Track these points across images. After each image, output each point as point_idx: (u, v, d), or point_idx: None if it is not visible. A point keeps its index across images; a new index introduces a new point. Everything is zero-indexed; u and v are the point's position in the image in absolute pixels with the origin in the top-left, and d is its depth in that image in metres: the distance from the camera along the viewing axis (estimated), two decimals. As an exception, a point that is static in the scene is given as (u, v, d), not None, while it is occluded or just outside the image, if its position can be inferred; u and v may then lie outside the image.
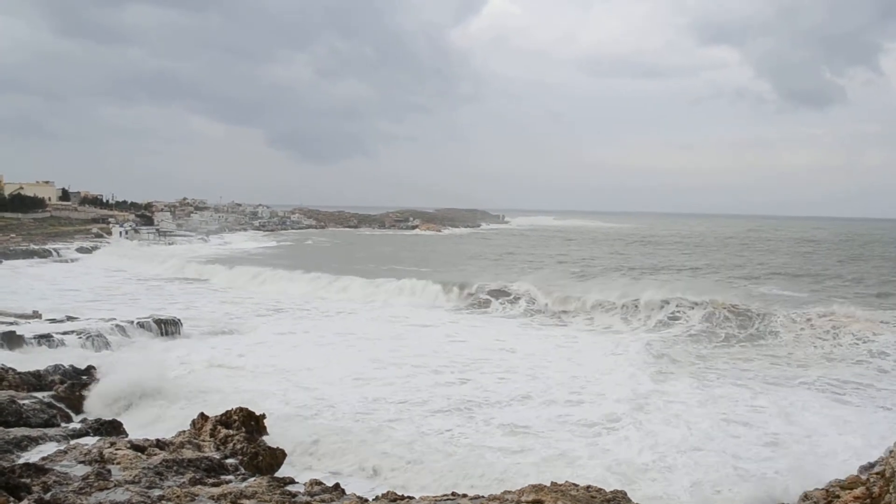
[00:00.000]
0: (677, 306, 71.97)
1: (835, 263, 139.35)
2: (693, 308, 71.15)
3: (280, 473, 30.49)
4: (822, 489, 26.73)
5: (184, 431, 32.86)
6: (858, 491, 25.51)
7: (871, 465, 28.45)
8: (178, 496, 23.05)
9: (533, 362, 52.40)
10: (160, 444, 30.50)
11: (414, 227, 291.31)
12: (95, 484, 24.28)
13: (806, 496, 26.62)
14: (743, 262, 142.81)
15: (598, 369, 50.46)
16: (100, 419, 36.29)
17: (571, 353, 56.44)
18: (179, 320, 62.03)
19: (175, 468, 27.78)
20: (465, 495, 24.59)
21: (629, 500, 24.37)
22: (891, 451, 27.43)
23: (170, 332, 60.08)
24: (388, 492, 25.02)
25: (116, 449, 29.08)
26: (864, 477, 27.24)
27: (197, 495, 23.42)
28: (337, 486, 26.63)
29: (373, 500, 24.33)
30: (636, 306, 74.37)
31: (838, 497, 25.61)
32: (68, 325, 57.19)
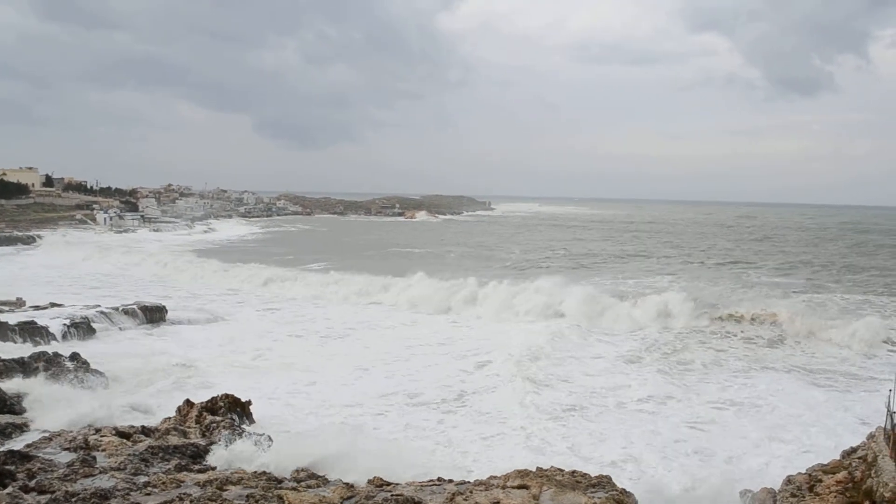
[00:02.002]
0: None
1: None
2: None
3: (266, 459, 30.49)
4: (805, 473, 26.98)
5: (169, 418, 32.84)
6: (841, 475, 25.76)
7: (853, 450, 28.74)
8: (163, 482, 23.05)
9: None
10: (146, 431, 30.47)
11: (400, 214, 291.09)
12: (81, 471, 24.25)
13: (789, 480, 26.88)
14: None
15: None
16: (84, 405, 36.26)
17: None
18: (164, 307, 61.71)
19: (161, 455, 27.75)
20: (450, 480, 24.70)
21: (613, 485, 24.52)
22: (872, 436, 27.72)
23: (155, 320, 59.83)
24: (374, 477, 25.09)
25: (102, 436, 29.04)
26: (846, 461, 27.56)
27: (183, 481, 23.43)
28: (323, 471, 26.70)
29: (359, 486, 24.39)
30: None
31: (821, 481, 25.84)
32: (53, 312, 56.87)
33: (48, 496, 20.91)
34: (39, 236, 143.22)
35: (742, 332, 57.71)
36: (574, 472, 25.59)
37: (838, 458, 28.06)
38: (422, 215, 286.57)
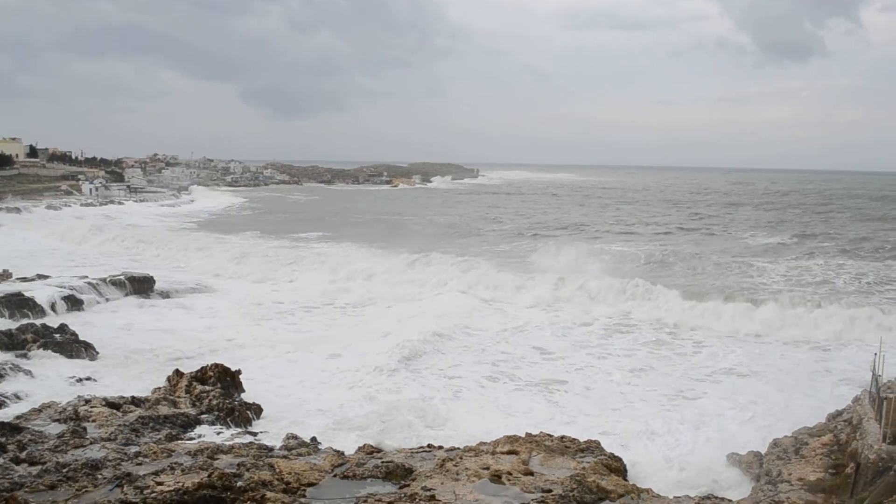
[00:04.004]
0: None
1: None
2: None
3: (257, 428, 30.65)
4: (791, 436, 27.33)
5: (159, 388, 32.88)
6: (826, 438, 26.10)
7: (839, 413, 29.09)
8: (154, 452, 23.10)
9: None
10: (136, 402, 30.52)
11: (388, 182, 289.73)
12: (71, 441, 24.30)
13: (776, 443, 27.22)
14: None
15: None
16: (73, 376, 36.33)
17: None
18: (153, 277, 61.38)
19: (151, 425, 27.85)
20: (440, 447, 24.87)
21: (602, 450, 24.75)
22: (857, 399, 28.04)
23: (143, 291, 59.55)
24: (364, 444, 25.25)
25: (92, 407, 29.08)
26: (831, 425, 27.89)
27: (173, 451, 23.50)
28: (314, 439, 26.85)
29: (349, 453, 24.54)
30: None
31: (807, 444, 26.18)
32: (40, 284, 56.53)
33: (39, 467, 20.95)
34: (26, 208, 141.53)
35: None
36: (563, 437, 25.80)
37: (824, 421, 28.45)
38: (410, 182, 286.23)
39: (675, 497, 21.05)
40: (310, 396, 35.34)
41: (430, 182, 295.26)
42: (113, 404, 29.46)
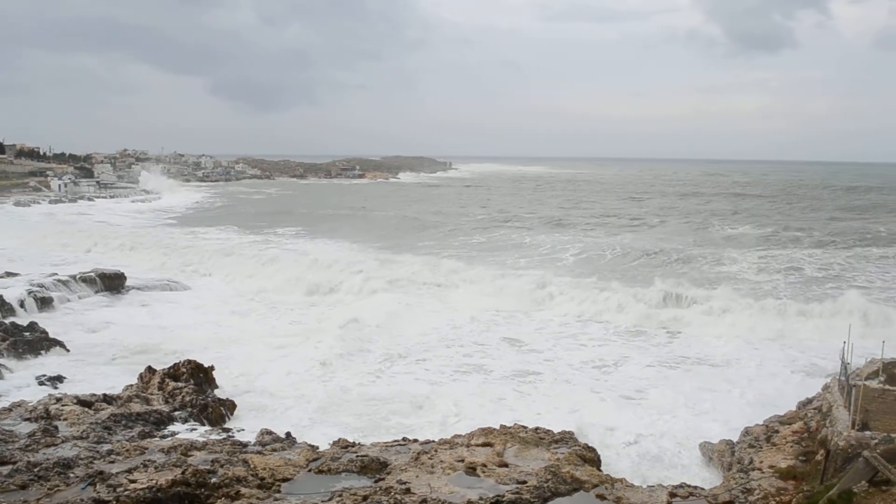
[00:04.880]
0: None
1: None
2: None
3: (230, 425, 30.54)
4: (762, 425, 27.63)
5: (131, 385, 32.62)
6: (797, 426, 26.42)
7: (809, 401, 29.46)
8: (127, 450, 22.94)
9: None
10: (107, 399, 30.25)
11: (360, 176, 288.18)
12: (42, 440, 24.04)
13: (747, 431, 27.52)
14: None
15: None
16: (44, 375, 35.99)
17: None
18: (124, 274, 60.78)
19: (123, 422, 27.64)
20: (415, 440, 24.91)
21: (576, 441, 24.91)
22: (827, 387, 28.41)
23: (114, 288, 58.95)
24: (339, 439, 25.23)
25: (63, 405, 28.78)
26: (802, 412, 28.24)
27: (147, 448, 23.34)
28: (288, 434, 26.78)
29: (324, 447, 24.52)
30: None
31: (777, 432, 26.50)
32: (9, 281, 55.83)
33: (10, 467, 20.72)
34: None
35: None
36: (537, 428, 25.94)
37: (794, 409, 28.80)
38: (383, 176, 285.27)
39: (648, 486, 21.25)
40: (286, 391, 35.24)
41: (398, 177, 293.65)
42: (84, 402, 29.19)
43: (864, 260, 70.49)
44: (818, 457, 20.94)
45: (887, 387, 23.94)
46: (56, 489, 19.34)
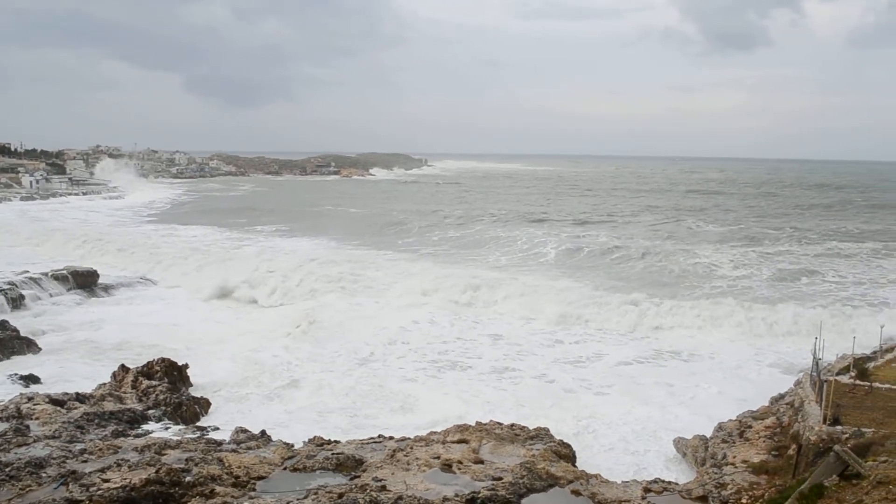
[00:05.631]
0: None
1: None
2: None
3: (205, 423, 30.36)
4: (735, 420, 27.88)
5: (104, 384, 32.34)
6: (769, 421, 26.67)
7: (782, 396, 29.75)
8: (100, 449, 22.76)
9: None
10: (80, 398, 29.97)
11: (335, 173, 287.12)
12: (14, 440, 23.77)
13: (720, 427, 27.75)
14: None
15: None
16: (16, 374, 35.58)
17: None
18: (96, 272, 60.17)
19: (96, 421, 27.39)
20: (391, 437, 24.92)
21: (552, 437, 25.04)
22: (799, 383, 28.72)
23: (87, 285, 58.33)
24: (314, 436, 25.17)
25: (35, 404, 28.47)
26: (774, 407, 28.52)
27: (120, 447, 23.17)
28: (263, 432, 26.66)
29: (299, 445, 24.47)
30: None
31: (750, 427, 26.75)
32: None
33: (-20, 467, 20.49)
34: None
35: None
36: (513, 425, 26.03)
37: (767, 404, 29.08)
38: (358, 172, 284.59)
39: (623, 482, 21.39)
40: (261, 389, 35.11)
41: (372, 174, 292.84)
42: (57, 401, 28.91)
43: (836, 256, 71.49)
44: (790, 451, 21.14)
45: (858, 382, 24.28)
46: (28, 489, 19.16)
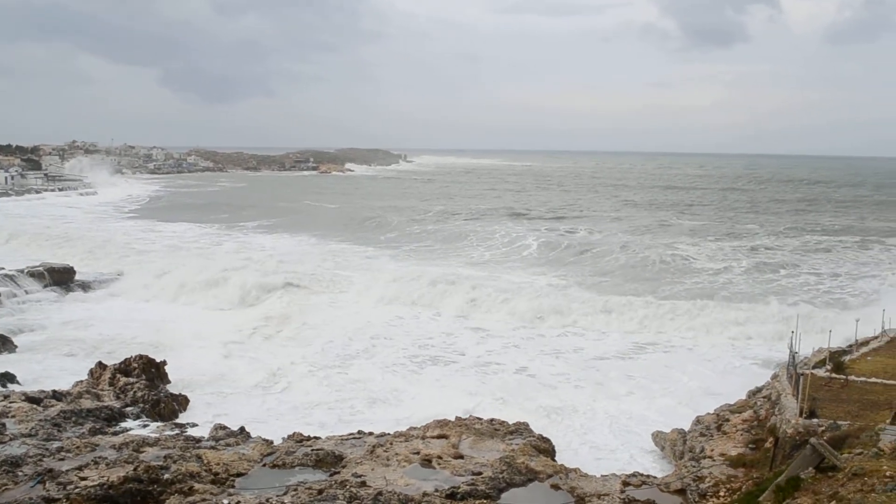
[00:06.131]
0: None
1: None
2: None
3: (184, 419, 30.19)
4: (713, 413, 28.08)
5: (81, 381, 32.07)
6: (746, 414, 26.87)
7: (759, 390, 29.97)
8: (77, 447, 22.59)
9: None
10: (57, 396, 29.70)
11: (314, 168, 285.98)
12: (-11, 438, 23.57)
13: (698, 420, 27.93)
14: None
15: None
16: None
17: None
18: (73, 268, 59.57)
19: (74, 419, 27.14)
20: (370, 433, 24.89)
21: (531, 431, 25.08)
22: (776, 376, 28.94)
23: (63, 282, 57.74)
24: (293, 432, 25.09)
25: (11, 402, 28.18)
26: (751, 401, 28.74)
27: (97, 445, 23.01)
28: (242, 429, 26.53)
29: (278, 441, 24.40)
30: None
31: (728, 420, 26.94)
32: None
33: (-45, 465, 20.28)
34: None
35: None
36: (492, 419, 26.06)
37: (744, 397, 29.29)
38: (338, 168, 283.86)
39: (601, 475, 21.48)
40: (240, 386, 34.99)
41: (352, 169, 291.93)
42: (33, 399, 28.63)
43: (812, 249, 72.31)
44: (767, 444, 21.30)
45: (834, 375, 24.49)
46: (4, 488, 18.98)
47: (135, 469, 19.55)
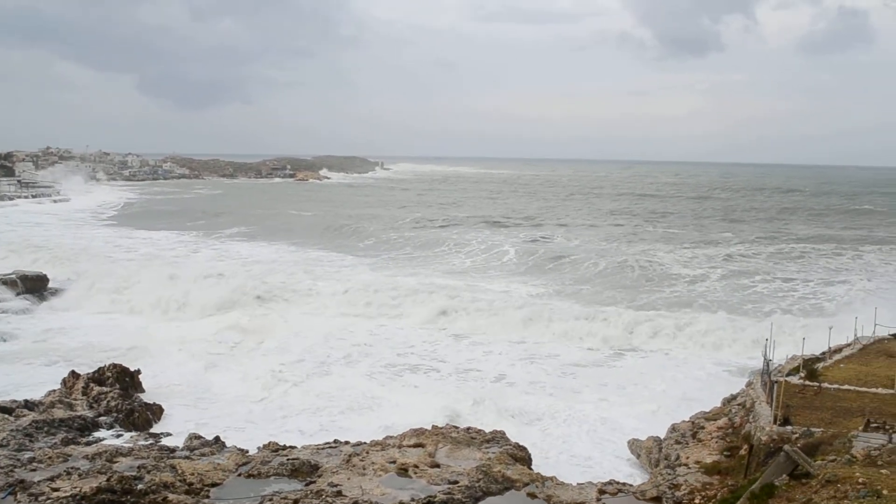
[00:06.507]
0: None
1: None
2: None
3: (158, 429, 29.94)
4: (689, 421, 28.22)
5: (54, 391, 31.73)
6: (721, 421, 27.04)
7: (734, 397, 30.17)
8: (49, 457, 22.34)
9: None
10: (29, 405, 29.36)
11: (291, 176, 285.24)
12: (-41, 449, 23.27)
13: (674, 428, 28.06)
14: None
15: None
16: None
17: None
18: (46, 276, 58.90)
19: (46, 429, 26.85)
20: (346, 442, 24.80)
21: (507, 440, 25.09)
22: (750, 384, 29.15)
23: (37, 290, 57.09)
24: (269, 442, 24.95)
25: (-19, 412, 27.88)
26: (726, 408, 28.92)
27: (70, 455, 22.77)
28: (217, 438, 26.35)
29: (254, 451, 24.25)
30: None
31: (703, 428, 27.10)
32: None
33: (-76, 477, 19.99)
34: None
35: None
36: (469, 428, 26.06)
37: (719, 404, 29.48)
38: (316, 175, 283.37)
39: (578, 484, 21.52)
40: (215, 396, 34.77)
41: (329, 177, 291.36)
42: (4, 409, 28.28)
43: (785, 257, 73.20)
44: (742, 451, 21.43)
45: (807, 382, 24.69)
46: (-26, 499, 18.74)
47: (108, 480, 19.35)
